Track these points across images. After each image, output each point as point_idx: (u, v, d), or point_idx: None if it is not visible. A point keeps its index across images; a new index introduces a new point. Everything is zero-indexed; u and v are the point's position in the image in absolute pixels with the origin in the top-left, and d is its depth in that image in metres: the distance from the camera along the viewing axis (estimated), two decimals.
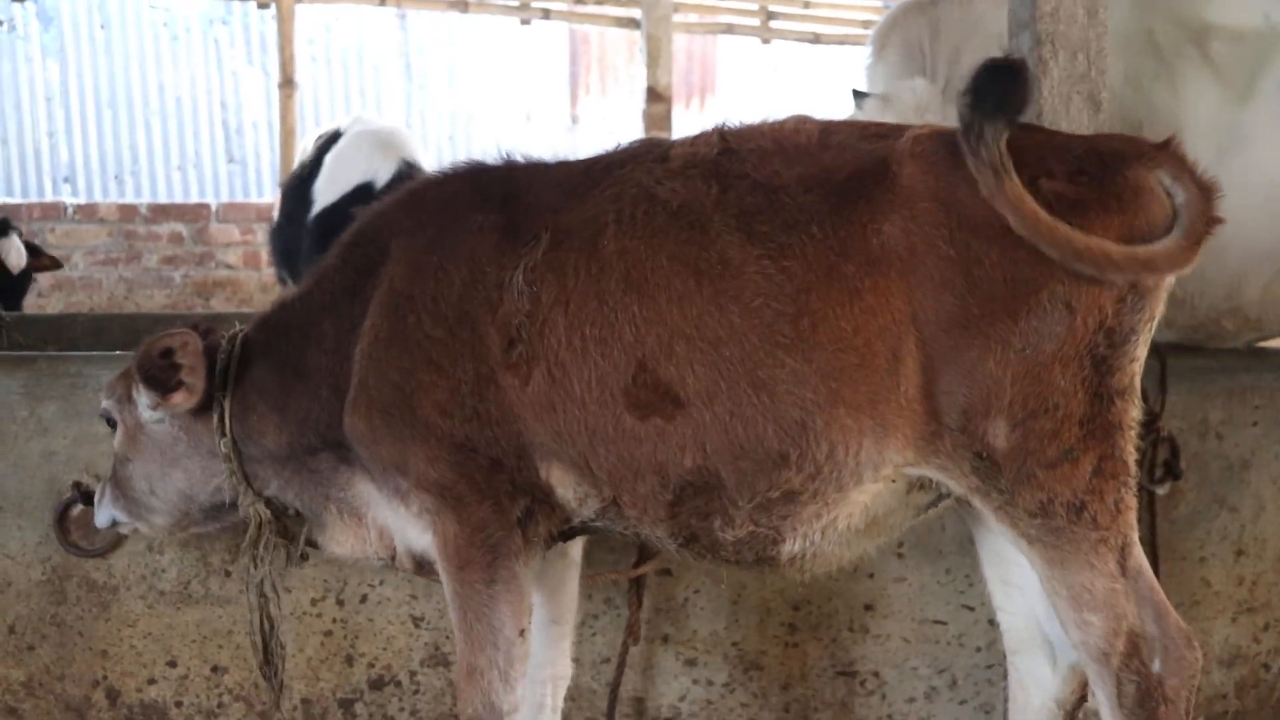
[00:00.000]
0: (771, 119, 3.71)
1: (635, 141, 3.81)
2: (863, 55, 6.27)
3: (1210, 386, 4.97)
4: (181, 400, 3.89)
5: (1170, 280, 3.40)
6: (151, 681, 4.76)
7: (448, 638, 4.69)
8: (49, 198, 14.69)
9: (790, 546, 3.56)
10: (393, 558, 3.98)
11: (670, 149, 3.66)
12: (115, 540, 4.65)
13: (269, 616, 4.11)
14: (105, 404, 4.10)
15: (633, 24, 12.70)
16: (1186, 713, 3.43)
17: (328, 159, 7.81)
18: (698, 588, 4.81)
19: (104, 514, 4.22)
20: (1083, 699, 3.79)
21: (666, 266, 3.46)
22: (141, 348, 3.90)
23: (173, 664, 4.75)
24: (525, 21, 13.40)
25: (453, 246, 3.67)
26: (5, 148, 15.23)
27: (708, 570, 4.75)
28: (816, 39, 13.43)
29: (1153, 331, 3.43)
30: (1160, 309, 3.42)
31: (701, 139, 3.65)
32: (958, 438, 3.36)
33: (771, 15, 13.26)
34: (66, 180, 15.32)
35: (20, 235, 8.66)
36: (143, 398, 3.96)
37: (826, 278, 3.37)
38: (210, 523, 4.15)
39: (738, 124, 3.69)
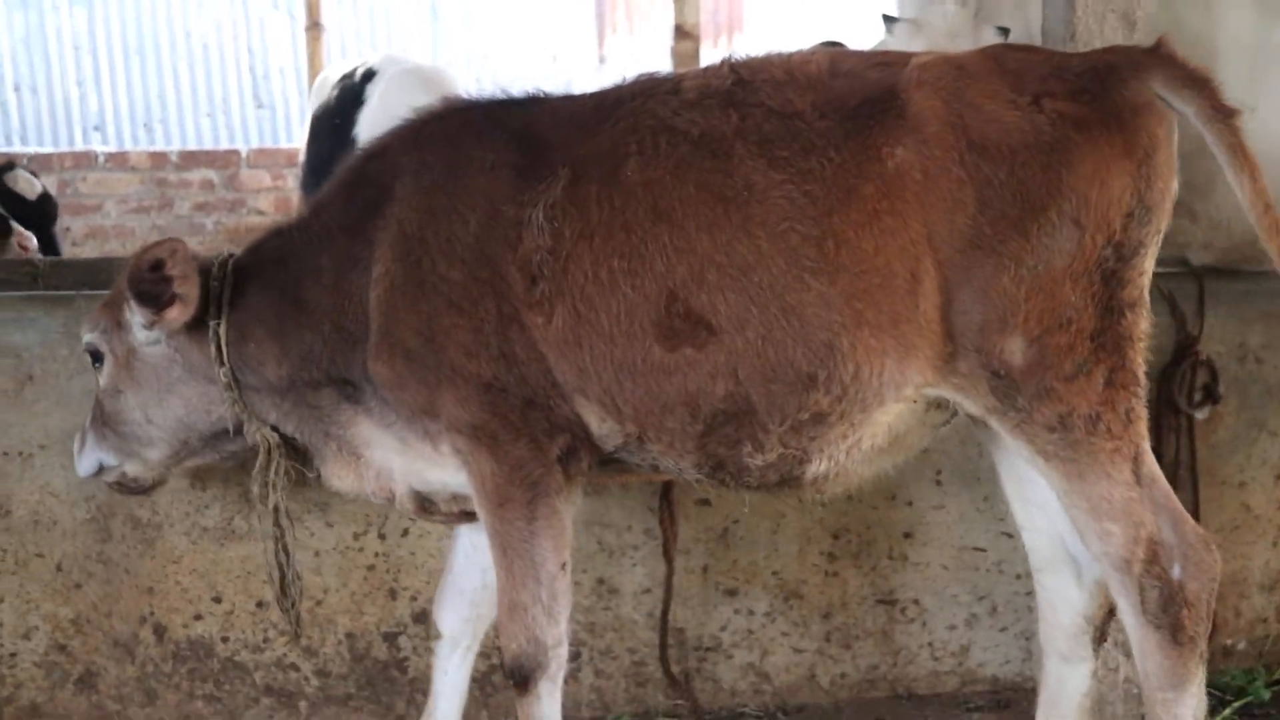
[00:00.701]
0: (780, 51, 3.73)
1: (640, 76, 3.80)
2: None
3: (1249, 310, 4.95)
4: (177, 314, 3.85)
5: (1174, 192, 3.46)
6: (198, 617, 4.80)
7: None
8: (79, 146, 14.66)
9: (816, 467, 3.61)
10: (390, 499, 3.98)
11: (680, 81, 3.69)
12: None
13: (285, 546, 4.09)
14: (89, 338, 4.04)
15: None
16: (1207, 615, 3.49)
17: (373, 97, 7.75)
18: (737, 517, 4.82)
19: (87, 460, 4.15)
20: (1111, 613, 3.81)
21: (694, 195, 3.50)
22: (129, 264, 3.86)
23: (218, 599, 4.80)
24: None
25: (465, 186, 3.67)
26: (35, 97, 15.23)
27: (747, 500, 4.76)
28: None
29: (1159, 244, 3.48)
30: (1167, 222, 3.47)
31: (712, 71, 3.68)
32: (975, 358, 3.42)
33: None
34: (97, 129, 15.32)
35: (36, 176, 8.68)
36: (136, 318, 3.91)
37: (847, 200, 3.43)
38: (209, 452, 4.12)
39: (746, 56, 3.71)
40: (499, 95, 3.91)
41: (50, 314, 4.73)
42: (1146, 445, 3.50)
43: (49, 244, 8.10)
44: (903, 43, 5.41)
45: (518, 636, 3.71)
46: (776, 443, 3.56)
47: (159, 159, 13.70)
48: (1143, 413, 3.48)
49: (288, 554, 4.11)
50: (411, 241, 3.67)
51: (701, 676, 4.89)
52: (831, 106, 3.49)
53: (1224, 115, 3.36)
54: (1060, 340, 3.38)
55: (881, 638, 4.95)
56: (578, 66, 16.24)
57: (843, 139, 3.45)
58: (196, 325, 3.89)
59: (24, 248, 6.20)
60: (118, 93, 15.36)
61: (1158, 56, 3.45)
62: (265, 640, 4.81)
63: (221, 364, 3.87)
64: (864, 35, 6.65)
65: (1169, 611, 3.45)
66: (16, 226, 6.29)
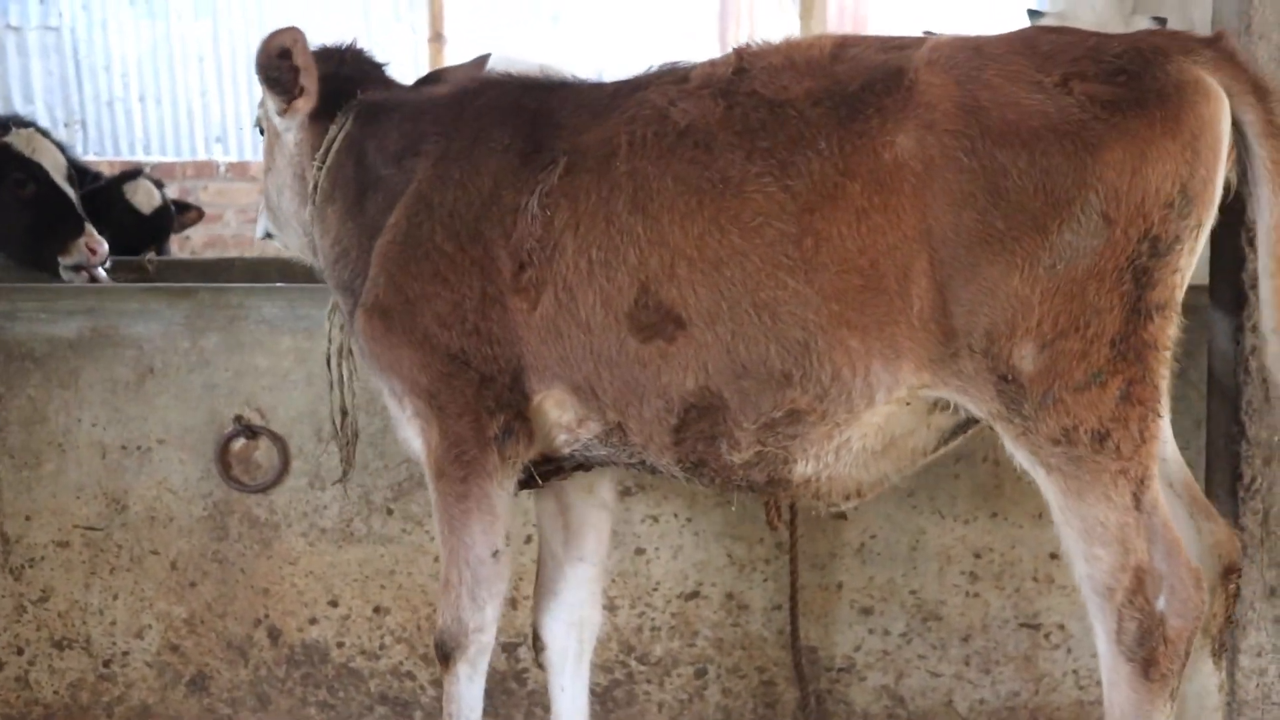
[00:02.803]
0: (793, 36, 3.58)
1: (665, 63, 3.67)
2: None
3: None
4: (304, 105, 3.91)
5: (1220, 180, 3.15)
6: (313, 621, 4.68)
7: (613, 581, 4.56)
8: (201, 156, 14.77)
9: (802, 468, 3.43)
10: None
11: (691, 70, 3.56)
12: (277, 476, 4.59)
13: (348, 384, 4.10)
14: (259, 111, 4.13)
15: None
16: (1186, 654, 3.23)
17: None
18: (874, 532, 4.61)
19: (261, 224, 4.30)
20: (1228, 620, 3.62)
21: (671, 188, 3.37)
22: (259, 52, 3.89)
23: (334, 603, 4.67)
24: None
25: (478, 162, 3.61)
26: (159, 107, 15.34)
27: (885, 515, 4.56)
28: None
29: (1201, 240, 3.17)
30: (1211, 214, 3.17)
31: (722, 59, 3.54)
32: (980, 360, 3.18)
33: None
34: (219, 139, 15.41)
35: (160, 186, 8.65)
36: (270, 103, 3.97)
37: (831, 196, 3.22)
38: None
39: (759, 42, 3.55)
40: (535, 75, 3.85)
41: (173, 306, 4.65)
42: (1155, 468, 3.21)
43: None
44: None
45: (445, 613, 3.68)
46: (753, 440, 3.40)
47: None
48: (1158, 432, 3.19)
49: (350, 392, 4.13)
50: (421, 203, 3.64)
51: (833, 699, 4.67)
52: (828, 92, 3.28)
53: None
54: (1074, 346, 3.11)
55: (1024, 663, 4.70)
56: None
57: (834, 128, 3.24)
58: (320, 133, 3.93)
59: (92, 250, 6.14)
60: (240, 104, 15.41)
61: (1216, 49, 3.14)
62: (382, 647, 4.67)
63: (312, 203, 3.92)
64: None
65: (1145, 645, 3.19)
66: (89, 228, 6.24)
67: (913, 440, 3.47)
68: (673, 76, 3.56)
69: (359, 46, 4.14)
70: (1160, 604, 3.19)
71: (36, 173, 6.33)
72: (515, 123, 3.63)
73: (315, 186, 3.92)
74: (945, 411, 3.39)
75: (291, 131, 4.00)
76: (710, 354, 3.36)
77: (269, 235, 4.29)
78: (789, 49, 3.46)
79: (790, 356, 3.29)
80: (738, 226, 3.30)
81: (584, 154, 3.49)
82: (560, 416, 3.58)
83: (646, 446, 3.53)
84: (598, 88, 3.73)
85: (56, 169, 6.45)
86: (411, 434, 3.72)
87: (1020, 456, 3.28)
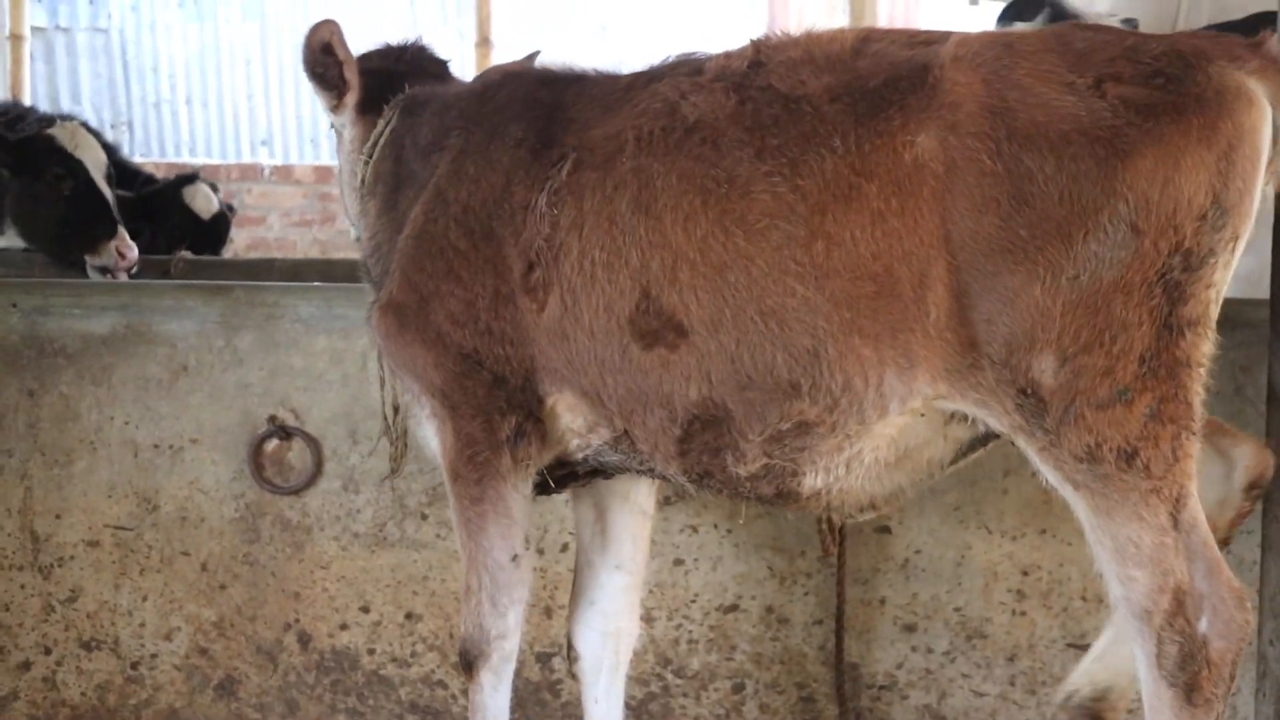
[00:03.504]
0: (814, 29, 3.40)
1: (681, 54, 3.53)
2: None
3: None
4: (351, 100, 3.88)
5: (1258, 192, 3.00)
6: (344, 626, 4.60)
7: (651, 592, 4.46)
8: (247, 159, 14.79)
9: (812, 480, 3.30)
10: None
11: (706, 62, 3.41)
12: (310, 478, 4.51)
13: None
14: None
15: None
16: (1230, 677, 3.08)
17: None
18: (919, 547, 4.49)
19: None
20: (1230, 536, 3.53)
21: (675, 186, 3.23)
22: (304, 49, 3.84)
23: (365, 609, 4.59)
24: None
25: (492, 158, 3.52)
26: (205, 110, 15.37)
27: (931, 529, 4.45)
28: None
29: (1237, 254, 3.02)
30: (1248, 227, 3.01)
31: (738, 51, 3.39)
32: (1000, 371, 3.03)
33: None
34: (264, 143, 15.41)
35: (215, 191, 8.63)
36: (321, 101, 3.93)
37: (845, 197, 3.08)
38: None
39: (778, 35, 3.38)
40: (554, 68, 3.72)
41: (208, 304, 4.58)
42: (1192, 486, 3.05)
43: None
44: None
45: (467, 620, 3.61)
46: (759, 453, 3.26)
47: (323, 173, 13.76)
48: (1192, 450, 3.04)
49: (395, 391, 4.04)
50: (438, 199, 3.56)
51: (874, 716, 4.56)
52: (848, 89, 3.13)
53: None
54: (1098, 361, 2.95)
55: None
56: None
57: (851, 125, 3.08)
58: (370, 127, 3.87)
59: (121, 255, 6.12)
60: (285, 107, 15.45)
61: (1260, 54, 2.99)
62: (413, 654, 4.59)
63: (359, 199, 3.86)
64: None
65: (1187, 669, 3.05)
66: (122, 231, 6.22)
67: (928, 452, 3.34)
68: (687, 68, 3.42)
69: (422, 44, 4.08)
70: (1202, 626, 3.07)
71: (76, 169, 6.32)
72: (530, 117, 3.52)
73: (363, 181, 3.86)
74: (963, 424, 3.26)
75: (347, 128, 3.94)
76: (714, 363, 3.22)
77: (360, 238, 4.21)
78: (809, 42, 3.31)
79: (799, 366, 3.16)
80: (743, 228, 3.16)
81: (592, 150, 3.37)
82: (572, 421, 3.49)
83: (653, 455, 3.42)
84: (613, 80, 3.56)
85: (97, 167, 6.43)
86: (429, 434, 3.65)
87: (1046, 472, 3.14)
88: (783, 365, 3.16)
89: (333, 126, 4.07)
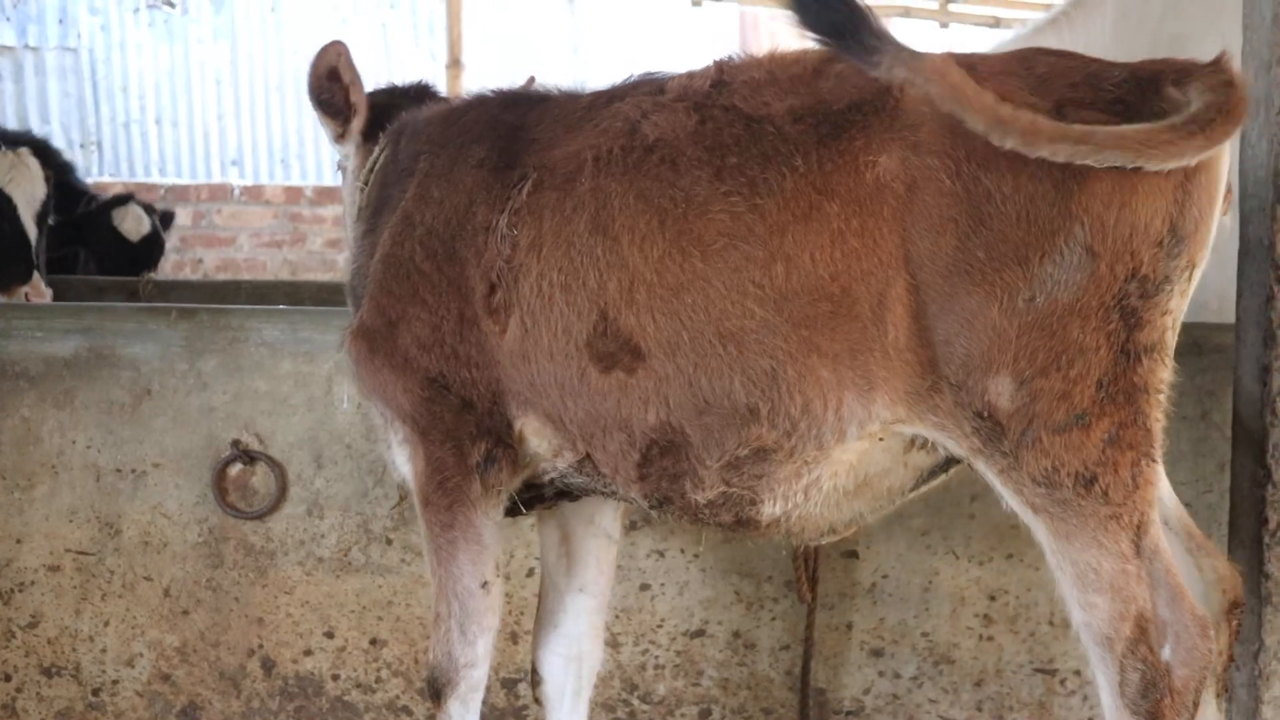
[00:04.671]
0: (778, 50, 3.38)
1: (643, 74, 3.53)
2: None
3: None
4: (357, 125, 3.87)
5: (1214, 222, 3.01)
6: (308, 652, 4.56)
7: (616, 617, 4.44)
8: (217, 179, 14.75)
9: (770, 508, 3.28)
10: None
11: (668, 82, 3.40)
12: (274, 503, 4.48)
13: None
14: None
15: None
16: (1194, 704, 3.07)
17: None
18: (886, 572, 4.48)
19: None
20: (1230, 659, 3.48)
21: (633, 205, 3.21)
22: (310, 75, 3.83)
23: (330, 634, 4.55)
24: (696, 3, 13.15)
25: (456, 180, 3.50)
26: (175, 130, 15.33)
27: (898, 554, 4.44)
28: (997, 23, 12.91)
29: (1193, 282, 3.03)
30: (1204, 256, 3.02)
31: (701, 71, 3.37)
32: (958, 394, 3.02)
33: None
34: (234, 163, 15.38)
35: (153, 212, 8.58)
36: (326, 131, 3.92)
37: (805, 217, 3.06)
38: None
39: (740, 56, 3.39)
40: (518, 90, 3.72)
41: (172, 327, 4.54)
42: (1153, 513, 3.05)
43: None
44: None
45: (435, 648, 3.56)
46: (717, 480, 3.24)
47: (293, 194, 13.75)
48: (1153, 477, 3.03)
49: None
50: (405, 223, 3.54)
51: None
52: (811, 110, 3.12)
53: (1225, 124, 2.90)
54: (1055, 385, 2.96)
55: (1038, 709, 4.56)
56: None
57: (813, 145, 3.08)
58: (368, 155, 3.85)
59: (30, 299, 6.10)
60: (256, 128, 15.43)
61: (1212, 72, 2.99)
62: (378, 680, 4.55)
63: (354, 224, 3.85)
64: None
65: (1149, 697, 3.03)
66: (37, 278, 6.18)
67: (889, 480, 3.32)
68: (650, 87, 3.40)
69: (427, 83, 4.13)
70: (1165, 653, 3.06)
71: (4, 207, 6.27)
72: (492, 138, 3.51)
73: (359, 211, 3.86)
74: (923, 451, 3.24)
75: (351, 158, 3.94)
76: (671, 387, 3.20)
77: None
78: (772, 63, 3.30)
79: (757, 389, 3.13)
80: (700, 249, 3.14)
81: (552, 170, 3.35)
82: (538, 445, 3.47)
83: (614, 479, 3.41)
84: (575, 99, 3.56)
85: (29, 204, 6.37)
86: (401, 460, 3.61)
87: (1007, 496, 3.12)
88: (740, 389, 3.14)
89: (338, 165, 4.07)
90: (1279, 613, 3.98)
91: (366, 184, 3.82)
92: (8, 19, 14.74)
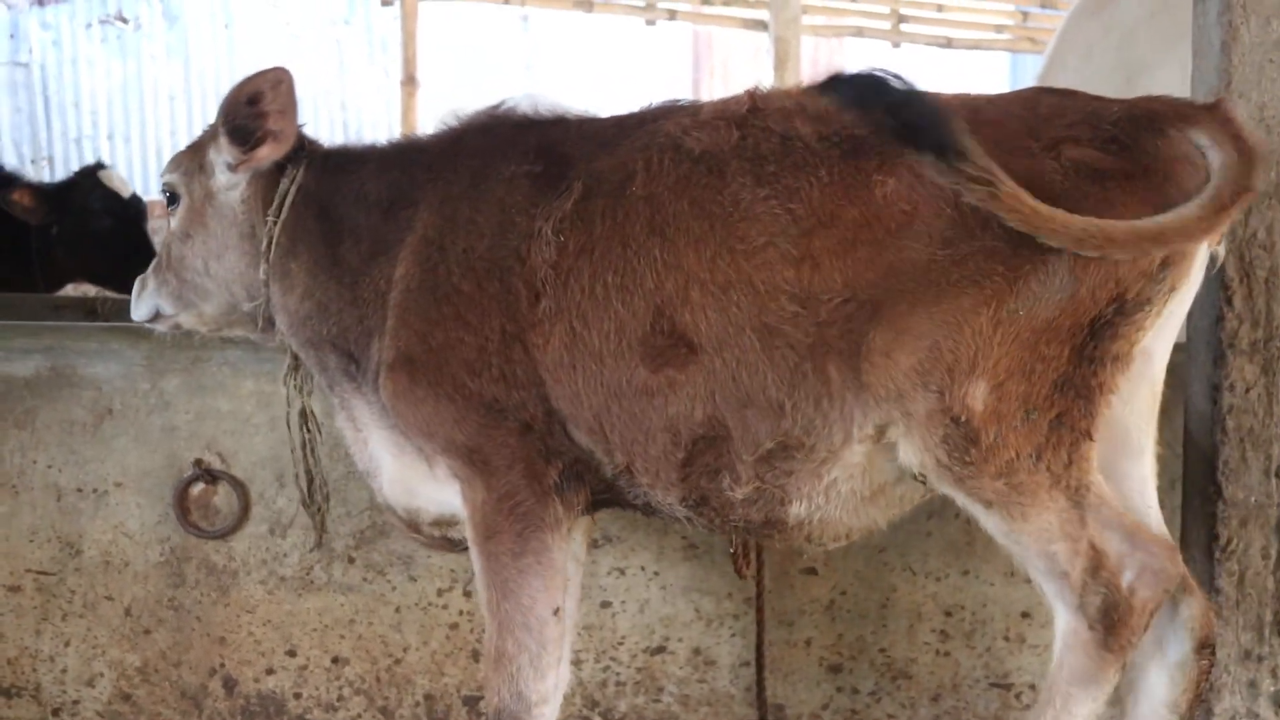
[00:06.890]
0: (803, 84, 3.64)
1: (669, 100, 3.71)
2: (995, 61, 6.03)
3: None
4: (269, 152, 3.80)
5: (1201, 248, 3.25)
6: (270, 671, 4.57)
7: (579, 634, 4.46)
8: None
9: (797, 508, 3.45)
10: (379, 490, 3.84)
11: (703, 106, 3.62)
12: (236, 522, 4.49)
13: (313, 450, 4.08)
14: (168, 178, 3.97)
15: (760, 26, 12.48)
16: (1146, 625, 3.33)
17: None
18: (844, 589, 4.53)
19: (145, 305, 4.08)
20: (1197, 696, 3.57)
21: (687, 210, 3.40)
22: (229, 94, 3.79)
23: (292, 653, 4.56)
24: (650, 22, 13.22)
25: (484, 198, 3.59)
26: (128, 146, 15.31)
27: (856, 571, 4.49)
28: (949, 43, 13.07)
29: (1173, 303, 3.26)
30: (1189, 280, 3.28)
31: (734, 99, 3.59)
32: (936, 399, 3.24)
33: (903, 18, 12.93)
34: None
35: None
36: (222, 157, 3.85)
37: (828, 223, 3.29)
38: (251, 327, 3.98)
39: (769, 87, 3.62)
40: (527, 112, 3.80)
41: (134, 346, 4.55)
42: (1090, 478, 3.30)
43: (143, 243, 8.00)
44: None
45: (500, 689, 3.52)
46: (752, 474, 3.40)
47: None
48: (1090, 455, 3.28)
49: (315, 458, 4.11)
50: (431, 248, 3.60)
51: None
52: (835, 134, 3.35)
53: (1240, 195, 3.13)
54: (1019, 387, 3.21)
55: None
56: None
57: (837, 159, 3.31)
58: (269, 186, 3.82)
59: None
60: None
61: (1213, 115, 3.22)
62: (339, 699, 4.56)
63: (267, 261, 3.80)
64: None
65: (1108, 616, 3.28)
66: None
67: (900, 488, 3.49)
68: (685, 110, 3.60)
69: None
70: (1126, 578, 3.28)
71: None
72: (519, 154, 3.61)
73: (270, 243, 3.81)
74: None
75: (237, 189, 3.88)
76: (718, 381, 3.36)
77: (158, 316, 4.08)
78: (800, 95, 3.51)
79: (785, 384, 3.32)
80: (745, 248, 3.33)
81: (599, 179, 3.50)
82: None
83: (654, 486, 3.50)
84: (596, 120, 3.74)
85: None
86: (444, 494, 3.63)
87: (958, 496, 3.34)
88: (772, 383, 3.32)
89: (171, 194, 3.97)
90: (1229, 626, 4.07)
91: (278, 216, 3.80)
92: None
